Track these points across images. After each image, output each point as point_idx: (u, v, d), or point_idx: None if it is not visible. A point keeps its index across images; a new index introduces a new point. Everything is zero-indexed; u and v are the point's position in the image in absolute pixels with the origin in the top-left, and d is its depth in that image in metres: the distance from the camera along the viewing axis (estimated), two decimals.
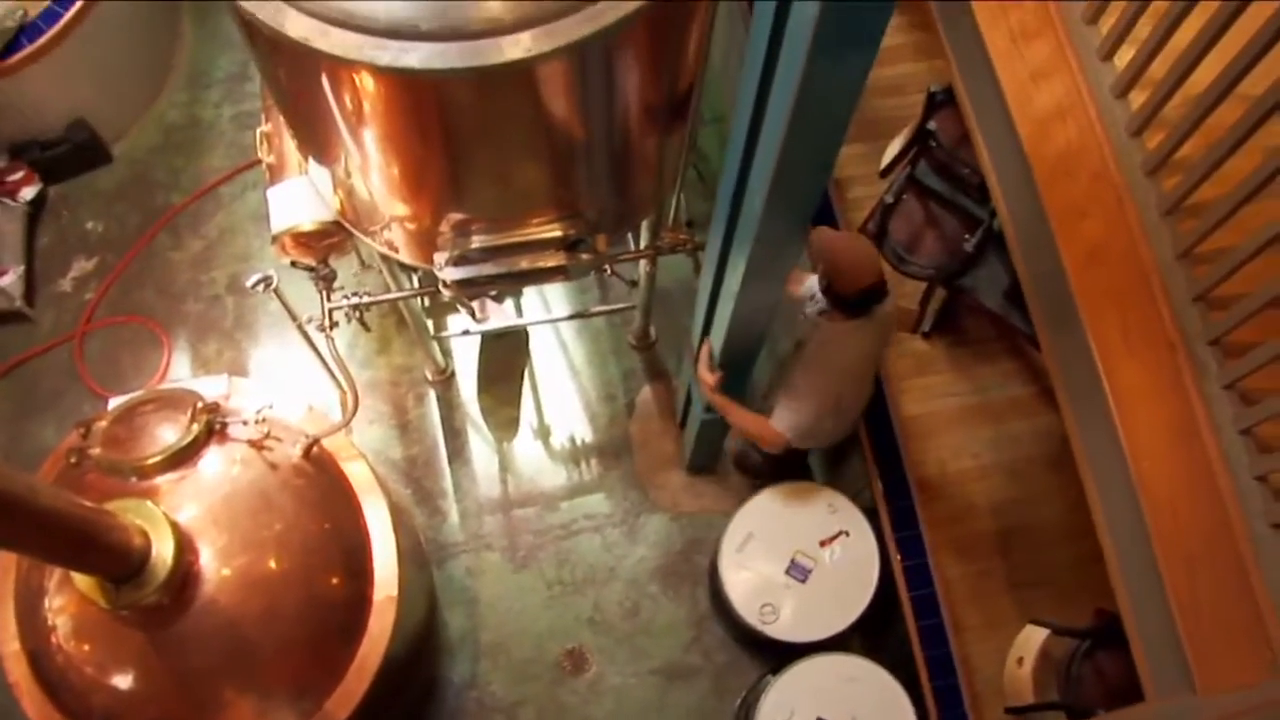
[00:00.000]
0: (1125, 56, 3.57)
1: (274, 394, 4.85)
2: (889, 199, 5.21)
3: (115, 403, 4.92)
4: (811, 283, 4.51)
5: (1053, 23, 3.73)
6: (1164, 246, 3.44)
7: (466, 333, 5.89)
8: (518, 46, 2.86)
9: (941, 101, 5.04)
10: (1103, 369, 3.42)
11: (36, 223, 7.04)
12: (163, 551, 3.97)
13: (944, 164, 5.10)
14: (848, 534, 5.16)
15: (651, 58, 3.37)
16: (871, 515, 5.21)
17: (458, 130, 3.35)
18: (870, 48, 2.45)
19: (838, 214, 5.77)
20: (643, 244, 5.02)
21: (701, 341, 4.62)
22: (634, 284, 5.52)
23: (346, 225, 4.30)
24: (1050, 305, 3.88)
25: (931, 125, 5.06)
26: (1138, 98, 3.56)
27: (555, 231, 3.85)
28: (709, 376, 4.62)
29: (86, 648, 4.38)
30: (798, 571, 5.09)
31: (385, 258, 4.53)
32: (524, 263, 3.92)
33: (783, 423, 4.52)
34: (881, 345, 4.74)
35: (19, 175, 6.88)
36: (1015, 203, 4.02)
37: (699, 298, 4.55)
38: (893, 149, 5.58)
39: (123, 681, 4.38)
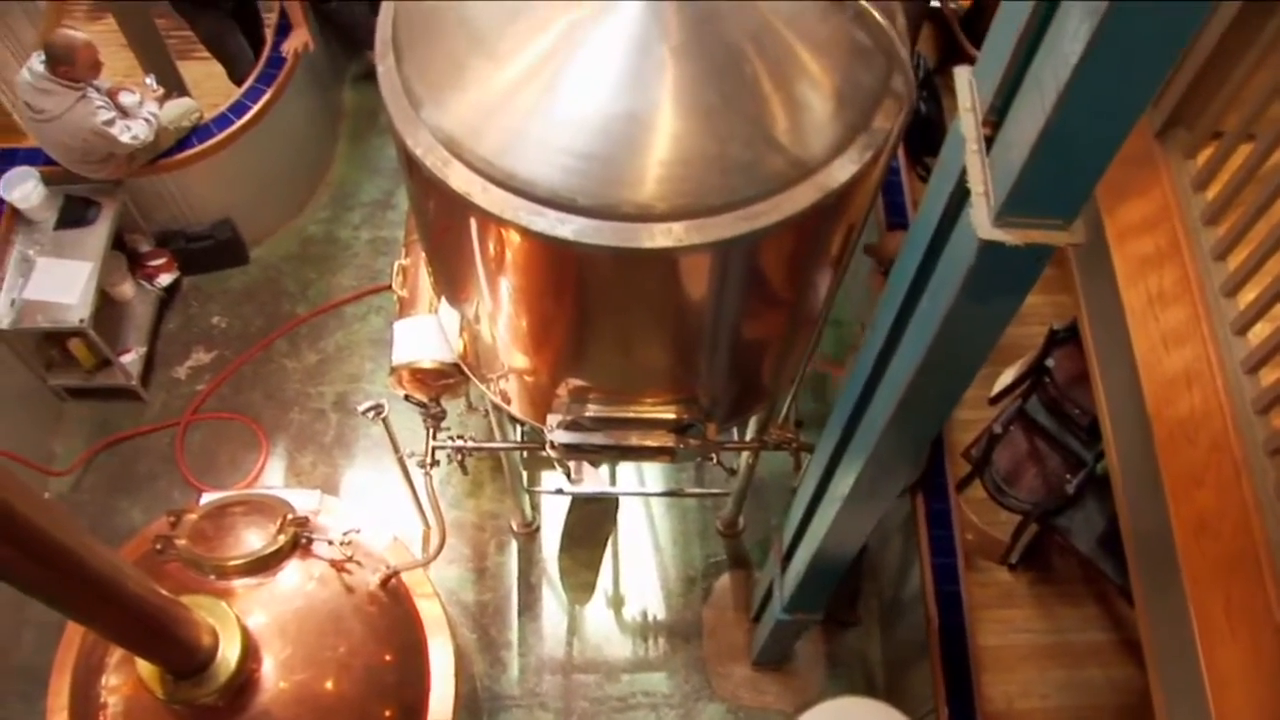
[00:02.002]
0: (1261, 333, 3.56)
1: (362, 518, 4.90)
2: (997, 429, 5.19)
3: (208, 498, 5.01)
4: None
5: (1191, 291, 3.73)
6: (1278, 526, 3.38)
7: (560, 491, 5.91)
8: (668, 235, 2.93)
9: (1062, 339, 5.05)
10: (1200, 643, 3.33)
11: (167, 309, 7.29)
12: (228, 654, 3.99)
13: (1055, 401, 5.09)
14: None
15: (794, 262, 3.43)
16: None
17: (592, 300, 3.42)
18: (1019, 296, 2.48)
19: (943, 434, 5.76)
20: (749, 435, 5.04)
21: None
22: (733, 472, 5.53)
23: (465, 369, 4.37)
24: (1151, 566, 3.81)
25: (1049, 362, 5.06)
26: (1268, 375, 3.54)
27: (669, 414, 3.89)
28: None
29: None
30: None
31: (496, 407, 4.60)
32: (633, 438, 3.95)
33: None
34: None
35: (160, 261, 7.14)
36: (1128, 458, 3.98)
37: (797, 499, 4.54)
38: (1005, 378, 5.58)
39: None
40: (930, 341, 2.69)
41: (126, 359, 6.86)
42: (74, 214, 6.50)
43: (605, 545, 6.47)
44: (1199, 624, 3.38)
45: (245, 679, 4.11)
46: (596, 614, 6.43)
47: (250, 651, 4.10)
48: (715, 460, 4.51)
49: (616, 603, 6.45)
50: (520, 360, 3.94)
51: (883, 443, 3.32)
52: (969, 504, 5.50)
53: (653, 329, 3.56)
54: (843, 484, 3.79)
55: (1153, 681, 3.73)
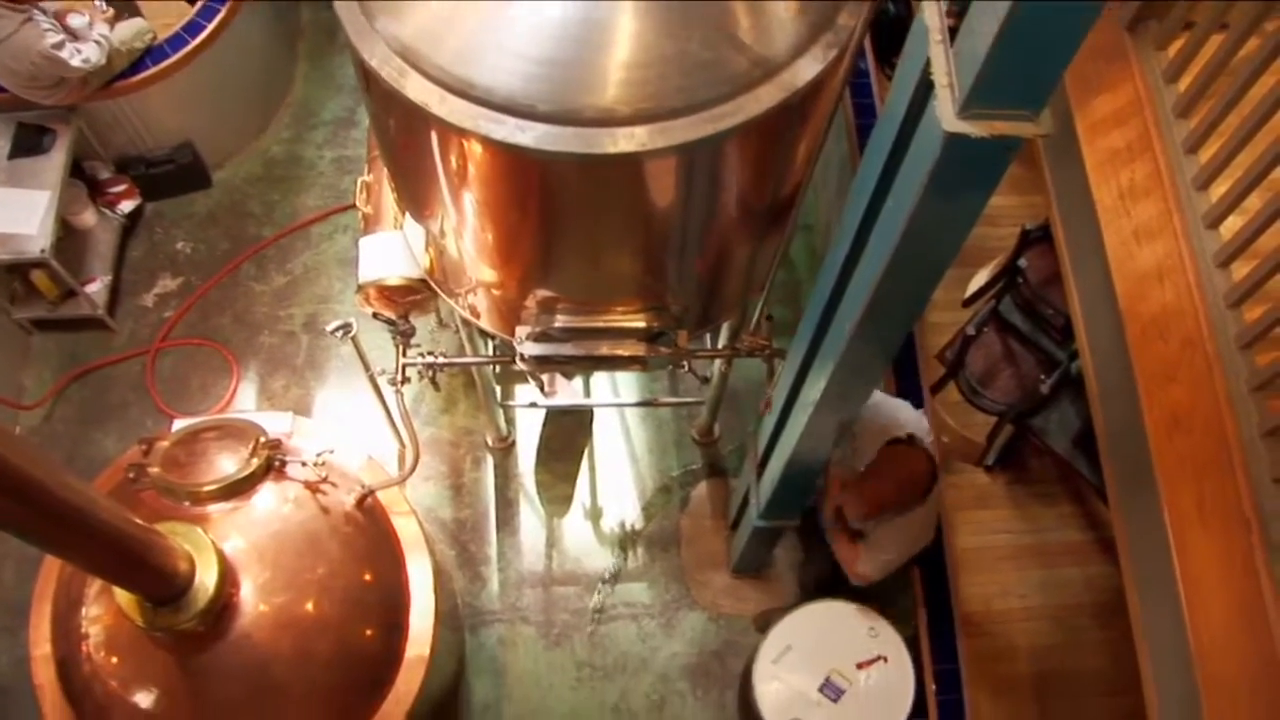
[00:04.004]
0: (1233, 226, 3.54)
1: (335, 439, 4.87)
2: (970, 331, 5.18)
3: (180, 424, 4.96)
4: None
5: (1163, 186, 3.72)
6: (1250, 422, 3.39)
7: (533, 405, 5.90)
8: (631, 140, 2.89)
9: (1035, 239, 5.02)
10: (1173, 537, 3.36)
11: (130, 236, 7.18)
12: (205, 580, 3.98)
13: (1029, 302, 5.08)
14: (885, 660, 5.07)
15: (760, 164, 3.40)
16: (912, 644, 5.12)
17: (557, 209, 3.38)
18: (986, 192, 2.45)
19: (915, 337, 5.74)
20: (721, 344, 5.02)
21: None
22: (706, 380, 5.52)
23: (433, 285, 4.33)
24: (1125, 463, 3.83)
25: (1022, 262, 5.04)
26: (1240, 269, 3.53)
27: (639, 322, 3.87)
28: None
29: (115, 661, 4.39)
30: (831, 691, 5.00)
31: (466, 321, 4.56)
32: (604, 348, 3.93)
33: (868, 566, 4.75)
34: None
35: (121, 188, 7.03)
36: (1101, 355, 3.98)
37: (770, 405, 4.53)
38: (978, 279, 5.56)
39: (145, 700, 4.38)
40: (897, 242, 2.66)
41: (92, 288, 6.77)
42: (28, 142, 6.36)
43: (581, 457, 6.47)
44: (1171, 519, 3.40)
45: (224, 604, 4.11)
46: (575, 527, 6.45)
47: (228, 576, 4.09)
48: (688, 368, 4.49)
49: (594, 515, 6.46)
50: (487, 273, 3.91)
51: (851, 347, 3.30)
52: (944, 407, 5.52)
53: (619, 236, 3.52)
54: (813, 390, 3.77)
55: (1126, 577, 3.76)
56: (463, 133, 2.98)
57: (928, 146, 2.35)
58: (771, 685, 5.05)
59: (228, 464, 4.55)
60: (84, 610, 4.46)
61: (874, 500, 4.40)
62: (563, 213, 3.39)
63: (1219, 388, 3.44)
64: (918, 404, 5.12)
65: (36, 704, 4.67)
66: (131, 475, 4.52)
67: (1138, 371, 3.58)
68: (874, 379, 3.72)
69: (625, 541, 6.37)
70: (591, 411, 6.50)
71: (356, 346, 4.51)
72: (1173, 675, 3.43)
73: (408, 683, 4.70)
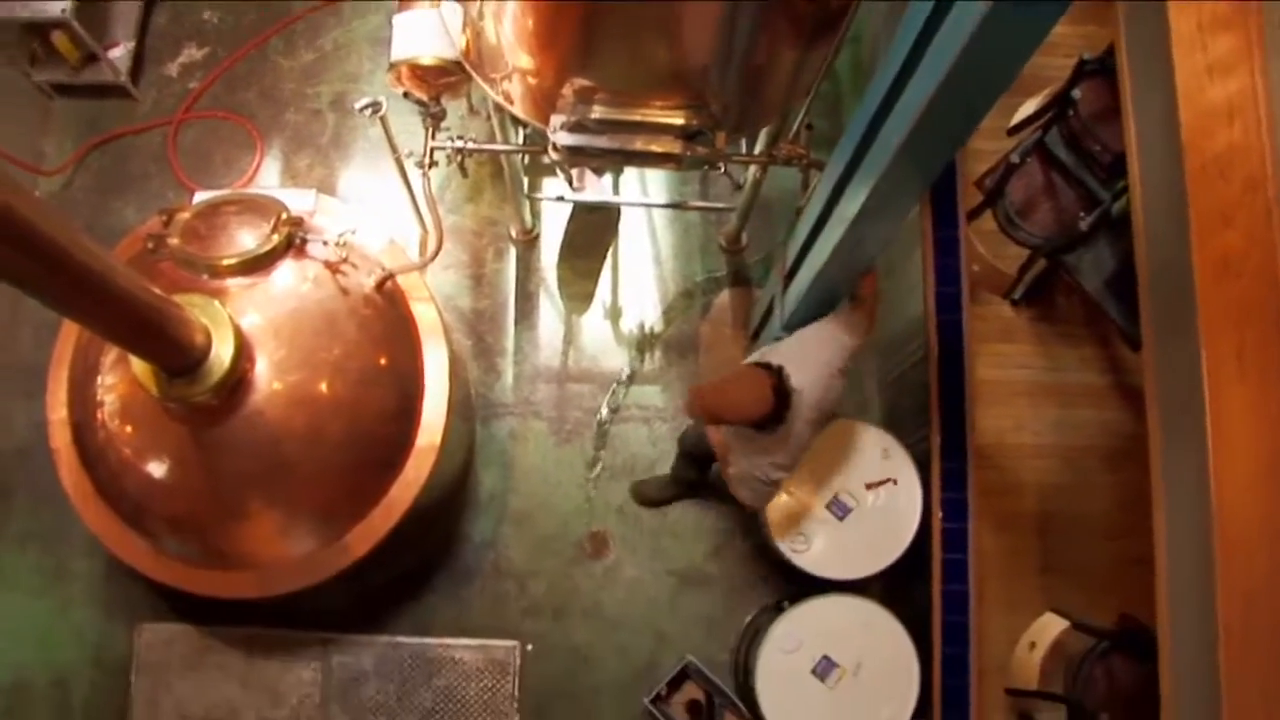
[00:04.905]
0: None
1: (358, 220, 4.81)
2: (1014, 159, 5.03)
3: (201, 197, 4.91)
4: None
5: (1246, 18, 3.53)
6: None
7: (560, 199, 5.78)
8: None
9: (1090, 71, 4.85)
10: (1207, 386, 3.28)
11: (155, 2, 6.97)
12: (221, 353, 3.98)
13: (1077, 136, 4.92)
14: (895, 483, 5.09)
15: None
16: (922, 469, 5.12)
17: None
18: (1058, 10, 2.30)
19: (955, 162, 5.59)
20: (758, 149, 4.88)
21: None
22: (739, 187, 5.39)
23: (468, 67, 4.19)
24: (1164, 306, 3.73)
25: (1075, 93, 4.87)
26: None
27: (677, 118, 3.76)
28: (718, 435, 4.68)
29: (129, 429, 4.42)
30: (838, 508, 5.03)
31: (498, 108, 4.43)
32: (639, 143, 3.83)
33: (746, 496, 4.68)
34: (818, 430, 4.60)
35: None
36: (1153, 192, 3.85)
37: (803, 217, 4.43)
38: (1027, 108, 5.39)
39: (157, 470, 4.43)
40: (958, 53, 2.52)
41: (114, 53, 6.60)
42: None
43: (605, 256, 6.38)
44: (1209, 366, 3.32)
45: (239, 379, 4.11)
46: (593, 325, 6.41)
47: (243, 351, 4.08)
48: (723, 170, 4.37)
49: (614, 314, 6.42)
50: (525, 59, 3.78)
51: (894, 165, 3.19)
52: (978, 235, 5.40)
53: (664, 24, 3.39)
54: (850, 205, 3.67)
55: (1152, 423, 3.71)
56: None
57: None
58: (779, 497, 5.07)
59: (248, 239, 4.50)
60: (100, 378, 4.47)
61: (699, 396, 4.29)
62: None
63: (1277, 233, 3.33)
64: (952, 228, 5.02)
65: (53, 466, 4.73)
66: (151, 245, 4.48)
67: (1193, 211, 3.45)
68: (914, 197, 3.61)
69: (643, 344, 6.34)
70: (619, 210, 6.36)
71: (385, 126, 4.39)
72: (1188, 524, 3.40)
73: (417, 469, 4.74)
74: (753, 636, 5.33)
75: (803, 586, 5.11)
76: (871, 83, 3.41)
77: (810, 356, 4.35)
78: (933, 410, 5.06)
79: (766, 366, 4.15)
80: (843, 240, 3.87)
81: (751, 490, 4.58)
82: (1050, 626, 4.75)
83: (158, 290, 3.55)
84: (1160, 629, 3.58)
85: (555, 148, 3.92)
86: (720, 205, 6.20)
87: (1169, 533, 3.56)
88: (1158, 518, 3.61)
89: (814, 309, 4.57)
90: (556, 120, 3.83)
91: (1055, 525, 5.22)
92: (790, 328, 4.82)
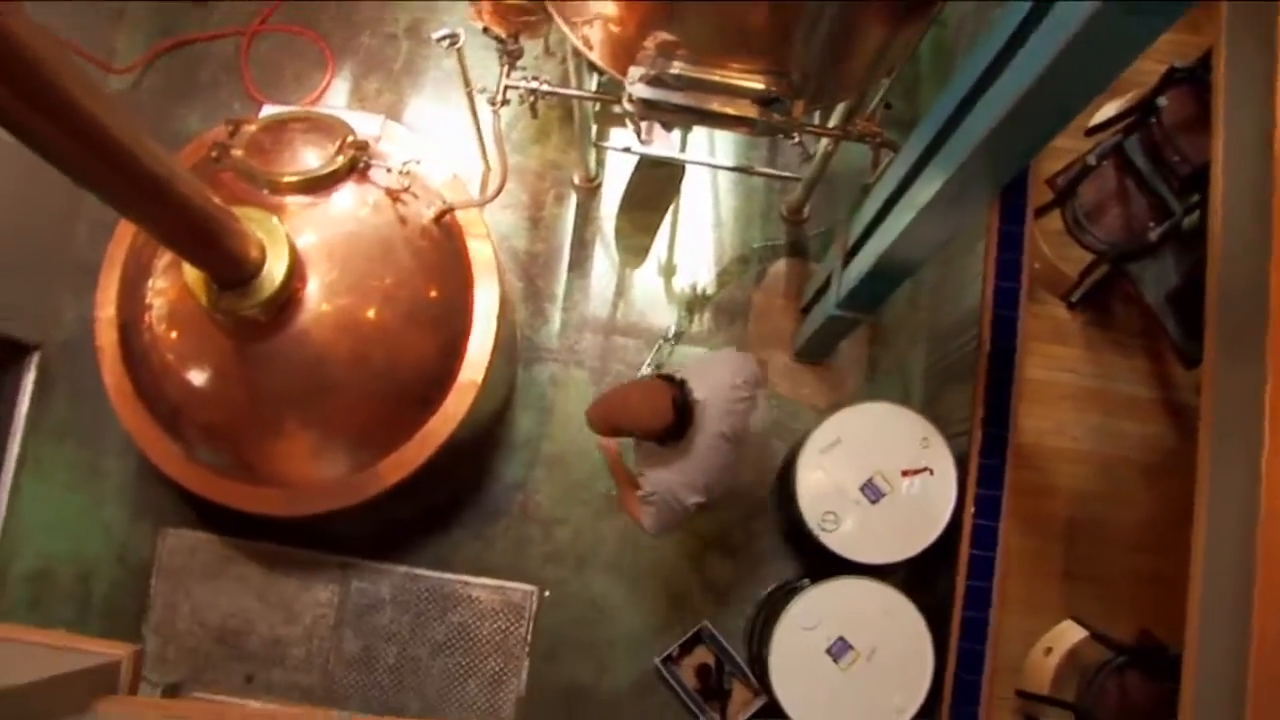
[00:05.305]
0: None
1: (423, 150, 4.78)
2: (1091, 160, 4.96)
3: (268, 110, 4.89)
4: None
5: None
6: None
7: (627, 150, 5.74)
8: None
9: (1179, 80, 4.76)
10: (1269, 414, 3.21)
11: None
12: (274, 269, 3.98)
13: (1157, 144, 4.85)
14: (931, 472, 5.03)
15: None
16: (960, 462, 5.07)
17: None
18: (1176, 11, 2.23)
19: None
20: (832, 122, 4.82)
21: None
22: (809, 158, 5.33)
23: (550, 7, 4.14)
24: (1232, 326, 3.66)
25: (1161, 101, 4.79)
26: None
27: (757, 83, 3.70)
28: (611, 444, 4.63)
29: (174, 335, 4.44)
30: (871, 491, 4.99)
31: (576, 52, 4.38)
32: (715, 104, 3.77)
33: (647, 519, 4.47)
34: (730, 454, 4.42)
35: None
36: (1236, 210, 3.77)
37: (871, 196, 4.38)
38: (1108, 110, 5.30)
39: (198, 378, 4.45)
40: (1058, 51, 2.45)
41: None
42: None
43: (665, 212, 6.34)
44: (1273, 396, 3.24)
45: (288, 297, 4.12)
46: (646, 280, 6.37)
47: (296, 270, 4.08)
48: (797, 139, 4.32)
49: (668, 272, 6.37)
50: (610, 6, 3.73)
51: (974, 157, 3.14)
52: (1043, 233, 5.33)
53: None
54: (924, 192, 3.62)
55: (1202, 444, 3.65)
56: None
57: None
58: (814, 474, 5.04)
59: (312, 158, 4.49)
60: (151, 281, 4.49)
61: (597, 404, 4.21)
62: None
63: None
64: (1018, 223, 4.95)
65: (96, 364, 4.75)
66: (215, 154, 4.47)
67: (1277, 233, 3.37)
68: (990, 192, 3.56)
69: (693, 304, 6.30)
70: (684, 167, 6.33)
71: (460, 59, 4.35)
72: (1228, 549, 3.36)
73: (456, 406, 4.73)
74: (771, 609, 5.31)
75: (825, 567, 5.07)
76: (958, 70, 3.35)
77: (713, 374, 4.30)
78: (977, 405, 5.01)
79: (669, 378, 4.10)
80: (910, 226, 3.82)
81: (656, 512, 4.41)
82: (1068, 633, 4.74)
83: (217, 200, 3.55)
84: (1188, 646, 3.53)
85: (630, 99, 3.87)
86: (787, 174, 6.14)
87: (1208, 553, 3.51)
88: (1197, 538, 3.56)
89: (873, 288, 4.52)
90: (635, 72, 3.77)
91: (1083, 532, 5.18)
92: (844, 305, 4.77)
